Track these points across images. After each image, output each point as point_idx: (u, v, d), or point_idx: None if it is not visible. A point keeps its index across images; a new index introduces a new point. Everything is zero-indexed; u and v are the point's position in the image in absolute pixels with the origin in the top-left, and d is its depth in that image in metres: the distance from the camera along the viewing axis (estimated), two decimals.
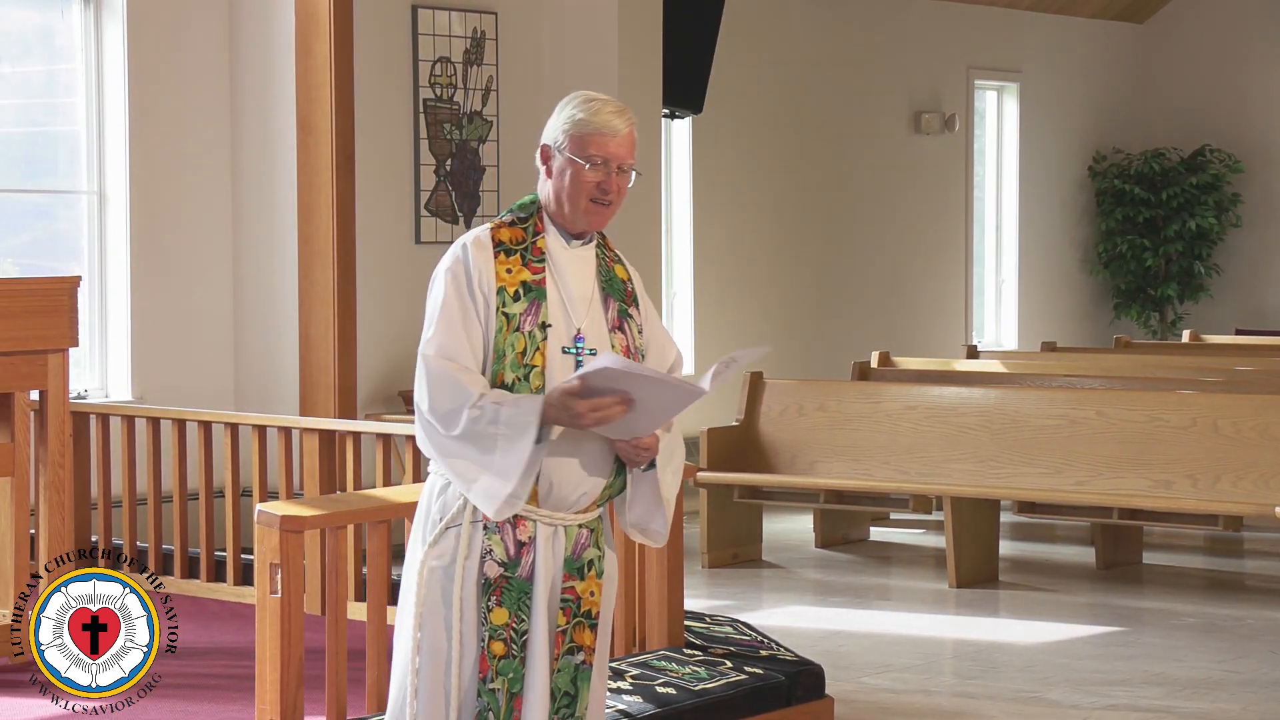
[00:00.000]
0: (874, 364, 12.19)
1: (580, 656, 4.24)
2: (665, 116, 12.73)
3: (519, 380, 4.13)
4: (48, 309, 6.91)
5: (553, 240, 4.25)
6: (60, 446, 6.96)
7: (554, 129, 4.23)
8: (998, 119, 17.06)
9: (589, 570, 4.24)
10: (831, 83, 15.09)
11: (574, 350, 4.19)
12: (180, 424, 8.35)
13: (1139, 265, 17.54)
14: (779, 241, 14.69)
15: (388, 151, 11.08)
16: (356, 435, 7.80)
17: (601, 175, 4.18)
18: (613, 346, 4.22)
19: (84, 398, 9.89)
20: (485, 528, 4.15)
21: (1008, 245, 17.15)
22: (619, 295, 4.29)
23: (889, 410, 10.81)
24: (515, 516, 4.15)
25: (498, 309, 4.15)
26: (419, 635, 4.17)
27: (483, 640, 4.15)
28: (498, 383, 4.14)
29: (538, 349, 4.14)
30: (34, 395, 7.09)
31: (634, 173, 4.23)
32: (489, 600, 4.15)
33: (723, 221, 14.18)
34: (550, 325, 4.17)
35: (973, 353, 13.19)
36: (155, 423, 8.42)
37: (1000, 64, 16.72)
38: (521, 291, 4.17)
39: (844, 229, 15.26)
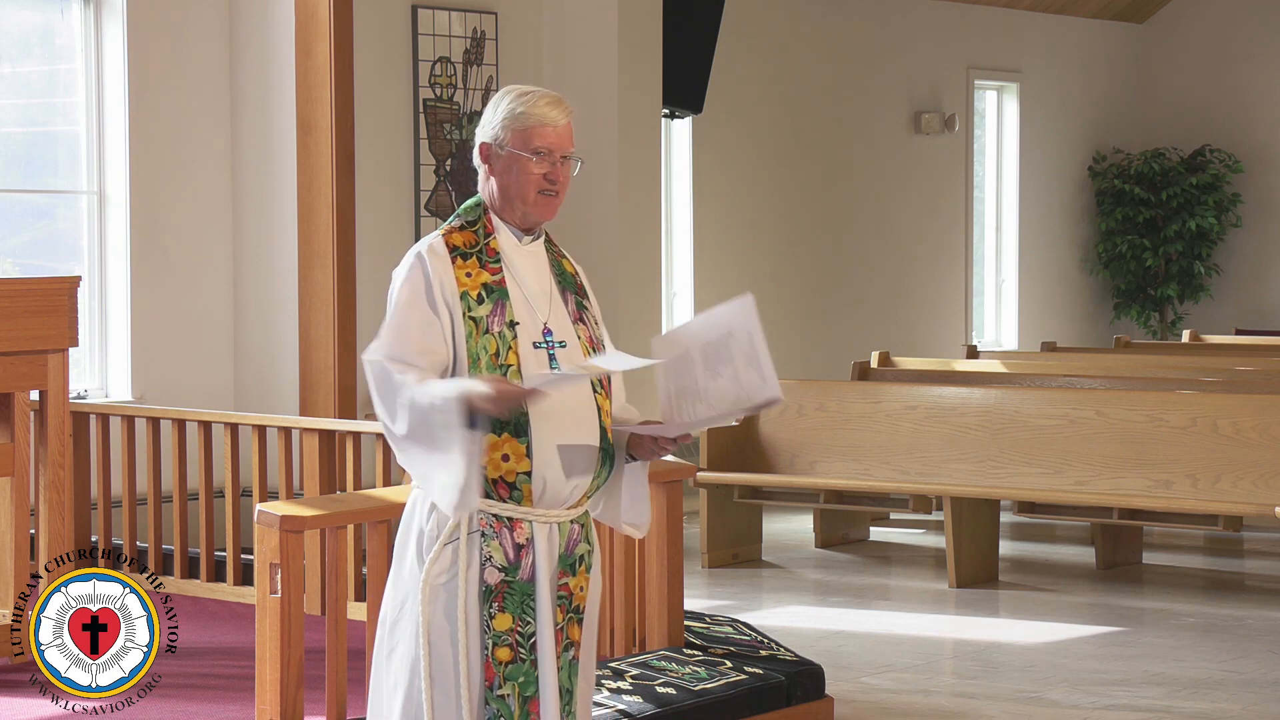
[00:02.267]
0: (874, 364, 12.19)
1: (573, 652, 4.23)
2: (665, 116, 12.72)
3: None
4: (48, 309, 6.91)
5: (505, 239, 4.24)
6: (60, 446, 6.96)
7: (492, 126, 4.22)
8: (998, 119, 17.06)
9: (580, 565, 4.24)
10: (831, 83, 15.09)
11: (544, 345, 4.18)
12: (180, 424, 8.35)
13: (1139, 265, 17.54)
14: (779, 241, 14.70)
15: (388, 151, 11.08)
16: (356, 435, 7.80)
17: (546, 166, 4.19)
18: (577, 338, 4.24)
19: (84, 398, 9.89)
20: (483, 535, 4.14)
21: (1008, 245, 17.16)
22: (572, 288, 4.31)
23: (889, 410, 10.81)
24: (511, 520, 4.14)
25: (464, 314, 4.14)
26: (427, 656, 4.13)
27: (486, 648, 4.14)
28: None
29: (510, 348, 4.14)
30: (34, 395, 7.09)
31: (579, 161, 4.26)
32: (490, 607, 4.13)
33: (723, 221, 14.18)
34: (518, 323, 4.16)
35: (973, 353, 13.19)
36: (155, 423, 8.42)
37: (1000, 64, 16.72)
38: (484, 294, 4.16)
39: (844, 229, 15.26)
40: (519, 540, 4.15)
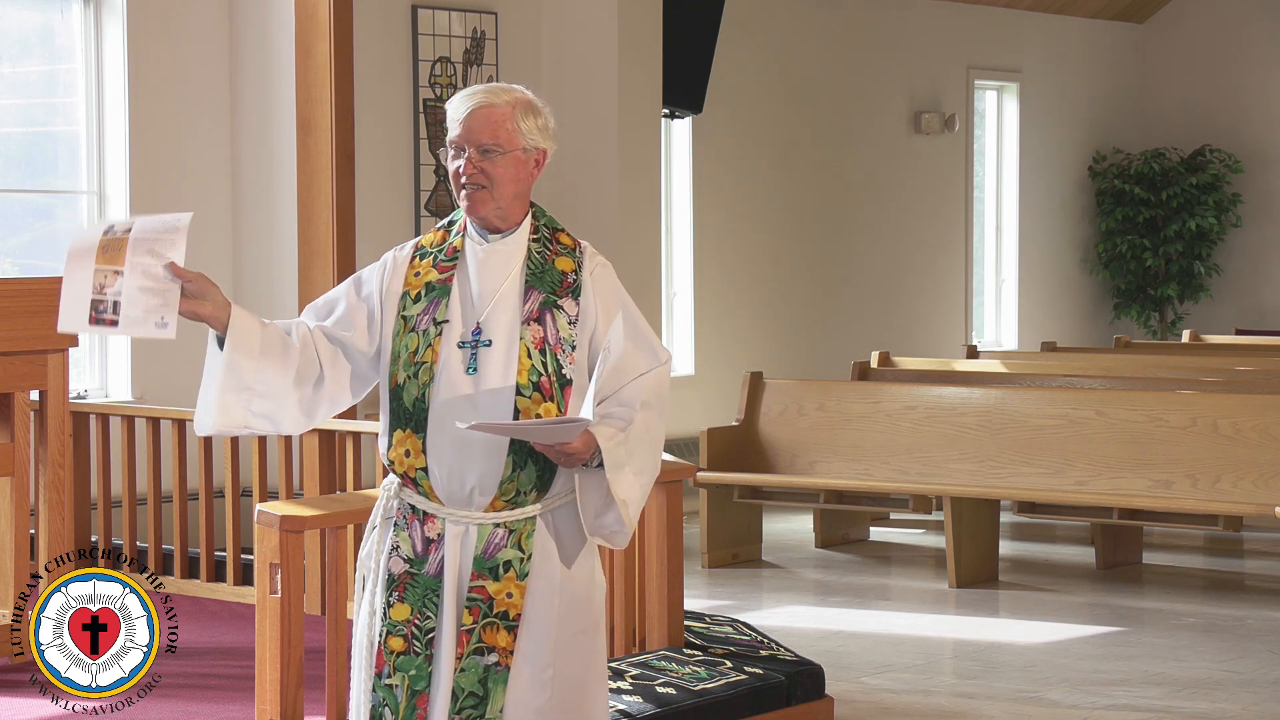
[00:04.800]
0: (874, 364, 12.19)
1: (492, 658, 4.12)
2: (665, 116, 12.72)
3: (409, 378, 4.12)
4: (48, 309, 6.85)
5: (469, 239, 4.20)
6: (60, 446, 6.96)
7: None
8: (998, 119, 17.06)
9: (505, 571, 4.12)
10: (832, 82, 15.09)
11: (469, 344, 4.11)
12: (180, 424, 8.35)
13: (1139, 265, 17.54)
14: (779, 241, 14.69)
15: (388, 151, 11.08)
16: (356, 435, 7.80)
17: (459, 160, 4.13)
18: (522, 338, 4.10)
19: (84, 398, 9.89)
20: (395, 525, 4.17)
21: (1008, 245, 17.15)
22: (549, 287, 4.16)
23: (889, 410, 10.81)
24: (424, 514, 4.15)
25: (398, 313, 4.16)
26: (355, 630, 4.24)
27: (380, 635, 4.15)
28: (393, 384, 4.14)
29: (429, 346, 4.11)
30: (34, 395, 7.09)
31: (513, 151, 4.12)
32: (390, 595, 4.15)
33: (723, 221, 14.18)
34: (447, 321, 4.12)
35: (973, 353, 13.19)
36: (155, 423, 8.42)
37: (1000, 64, 16.72)
38: (423, 292, 4.16)
39: (844, 229, 15.26)
40: (429, 535, 4.15)
